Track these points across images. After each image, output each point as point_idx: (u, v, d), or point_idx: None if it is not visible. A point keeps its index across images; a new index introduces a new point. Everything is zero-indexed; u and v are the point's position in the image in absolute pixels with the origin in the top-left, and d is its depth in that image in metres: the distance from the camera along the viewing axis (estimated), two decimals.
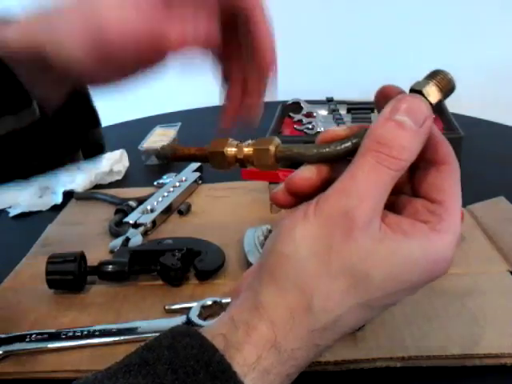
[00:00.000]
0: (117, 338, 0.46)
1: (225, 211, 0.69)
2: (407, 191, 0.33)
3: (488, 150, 0.85)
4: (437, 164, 0.31)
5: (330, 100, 0.93)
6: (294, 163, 0.32)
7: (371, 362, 0.42)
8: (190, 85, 1.22)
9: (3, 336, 0.46)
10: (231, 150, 0.33)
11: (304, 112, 0.90)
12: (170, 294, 0.52)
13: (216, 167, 0.35)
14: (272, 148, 0.32)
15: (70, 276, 0.52)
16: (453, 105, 0.89)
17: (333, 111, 0.89)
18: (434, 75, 0.30)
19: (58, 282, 0.52)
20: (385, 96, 0.31)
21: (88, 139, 0.48)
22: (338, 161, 0.31)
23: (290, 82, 1.16)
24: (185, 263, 0.54)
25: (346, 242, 0.28)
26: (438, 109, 0.88)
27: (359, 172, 0.28)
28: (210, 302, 0.48)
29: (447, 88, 0.30)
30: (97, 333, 0.47)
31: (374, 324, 0.45)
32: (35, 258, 0.60)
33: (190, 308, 0.48)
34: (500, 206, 0.64)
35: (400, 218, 0.30)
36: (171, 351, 0.27)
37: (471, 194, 0.66)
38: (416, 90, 0.30)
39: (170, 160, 0.37)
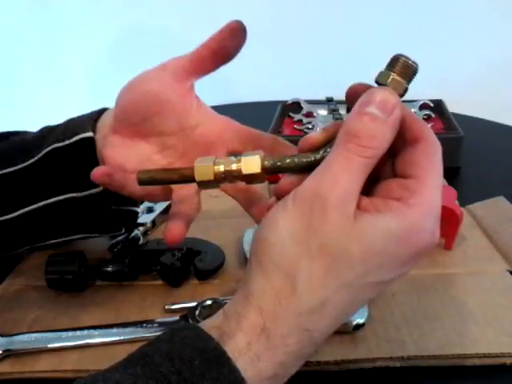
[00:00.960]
0: (117, 338, 0.46)
1: (224, 211, 0.68)
2: (389, 177, 0.33)
3: (488, 150, 0.85)
4: (413, 142, 0.31)
5: (329, 100, 0.93)
6: None
7: (371, 362, 0.42)
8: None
9: (3, 336, 0.46)
10: (219, 174, 0.33)
11: (304, 112, 0.90)
12: (170, 294, 0.52)
13: (203, 189, 0.35)
14: (259, 170, 0.33)
15: (70, 276, 0.52)
16: (453, 105, 0.89)
17: (333, 111, 0.89)
18: (395, 63, 0.31)
19: (58, 282, 0.52)
20: (355, 94, 0.32)
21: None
22: None
23: (289, 81, 1.16)
24: (185, 263, 0.54)
25: (322, 222, 0.29)
26: (438, 109, 0.88)
27: (331, 161, 0.30)
28: (209, 302, 0.48)
29: (410, 74, 0.31)
30: (96, 333, 0.47)
31: (373, 324, 0.45)
32: (35, 257, 0.59)
33: (189, 308, 0.48)
34: (500, 205, 0.64)
35: (373, 199, 0.31)
36: (169, 343, 0.29)
37: (471, 194, 0.66)
38: (381, 84, 0.31)
39: (150, 185, 0.37)
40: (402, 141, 0.32)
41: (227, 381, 0.27)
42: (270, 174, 0.33)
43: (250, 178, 0.33)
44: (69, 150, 0.45)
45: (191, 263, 0.54)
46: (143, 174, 0.36)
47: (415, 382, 0.42)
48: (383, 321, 0.46)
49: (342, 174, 0.29)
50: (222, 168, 0.33)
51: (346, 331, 0.44)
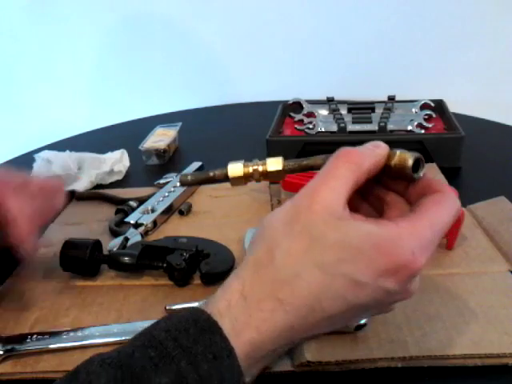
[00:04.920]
0: (117, 339, 0.46)
1: (225, 211, 0.69)
2: None
3: (488, 149, 0.85)
4: (431, 194, 0.36)
5: (330, 100, 0.93)
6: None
7: (372, 362, 0.42)
8: (189, 85, 1.22)
9: (4, 336, 0.46)
10: (248, 172, 0.41)
11: (305, 112, 0.90)
12: (171, 295, 0.52)
13: (234, 185, 0.42)
14: (281, 167, 0.41)
15: (83, 259, 0.54)
16: (453, 105, 0.89)
17: (333, 111, 0.89)
18: (411, 153, 0.36)
19: (71, 263, 0.54)
20: None
21: None
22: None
23: (290, 81, 1.16)
24: (191, 264, 0.54)
25: (308, 213, 0.34)
26: (439, 109, 0.88)
27: (323, 170, 0.36)
28: None
29: (410, 156, 0.35)
30: (97, 333, 0.47)
31: (375, 324, 0.45)
32: (36, 259, 0.59)
33: None
34: (500, 205, 0.64)
35: (368, 218, 0.35)
36: (167, 321, 0.33)
37: (472, 194, 0.66)
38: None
39: (191, 185, 0.44)
40: (420, 196, 0.36)
41: (218, 347, 0.31)
42: (288, 172, 0.41)
43: (272, 175, 0.41)
44: None
45: (198, 265, 0.54)
46: (184, 176, 0.44)
47: (416, 382, 0.42)
48: (384, 321, 0.46)
49: (328, 176, 0.35)
50: (250, 168, 0.41)
51: (348, 332, 0.44)
